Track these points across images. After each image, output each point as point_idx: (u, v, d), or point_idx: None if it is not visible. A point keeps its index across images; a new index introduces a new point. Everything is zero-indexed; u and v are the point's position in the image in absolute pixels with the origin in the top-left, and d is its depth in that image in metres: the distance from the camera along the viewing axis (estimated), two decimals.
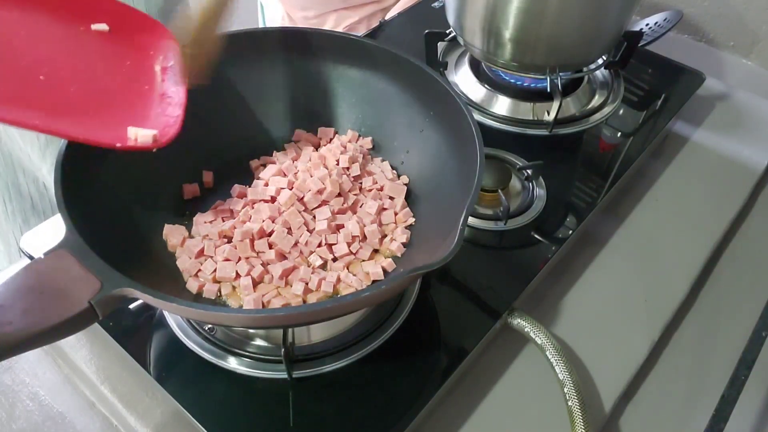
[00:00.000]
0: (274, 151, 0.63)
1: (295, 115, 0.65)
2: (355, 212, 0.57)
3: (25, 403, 0.55)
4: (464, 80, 0.81)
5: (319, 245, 0.54)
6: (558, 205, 0.67)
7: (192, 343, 0.52)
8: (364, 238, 0.55)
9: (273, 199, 0.57)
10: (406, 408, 0.50)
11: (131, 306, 0.56)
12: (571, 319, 0.61)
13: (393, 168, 0.61)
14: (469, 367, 0.56)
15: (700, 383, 0.59)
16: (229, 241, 0.54)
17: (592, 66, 0.78)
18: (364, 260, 0.54)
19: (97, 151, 0.53)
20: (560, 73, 0.72)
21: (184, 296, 0.51)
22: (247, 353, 0.52)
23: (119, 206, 0.54)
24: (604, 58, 0.78)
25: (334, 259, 0.54)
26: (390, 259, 0.54)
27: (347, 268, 0.54)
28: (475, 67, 0.81)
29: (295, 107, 0.65)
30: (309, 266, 0.53)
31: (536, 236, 0.64)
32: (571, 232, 0.64)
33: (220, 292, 0.52)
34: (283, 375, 0.51)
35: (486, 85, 0.79)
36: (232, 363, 0.51)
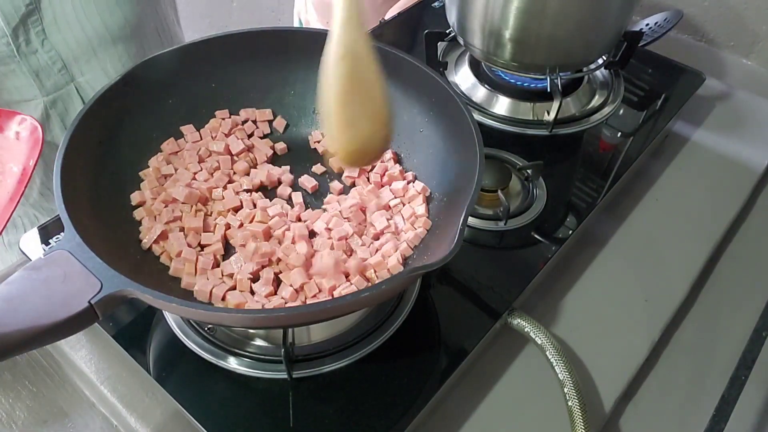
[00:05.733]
0: None
1: (294, 116, 0.65)
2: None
3: (25, 403, 0.55)
4: (464, 80, 0.81)
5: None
6: (558, 205, 0.67)
7: (192, 343, 0.52)
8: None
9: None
10: (406, 408, 0.50)
11: (131, 306, 0.56)
12: (571, 319, 0.61)
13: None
14: (469, 367, 0.56)
15: (700, 383, 0.59)
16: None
17: (592, 66, 0.78)
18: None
19: (98, 152, 0.53)
20: (560, 73, 0.72)
21: (180, 294, 0.51)
22: (247, 353, 0.52)
23: (120, 206, 0.54)
24: (604, 58, 0.78)
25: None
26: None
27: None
28: (475, 67, 0.81)
29: (295, 108, 0.65)
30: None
31: (536, 236, 0.64)
32: (571, 232, 0.64)
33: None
34: (283, 375, 0.51)
35: (486, 85, 0.79)
36: (232, 363, 0.51)
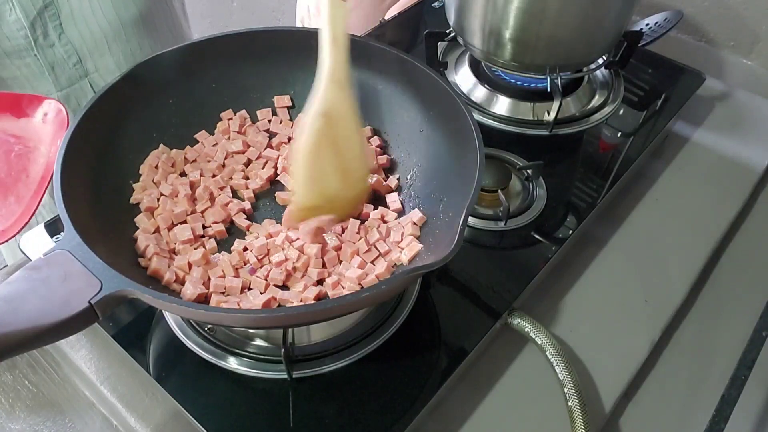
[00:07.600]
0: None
1: (294, 116, 0.65)
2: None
3: (25, 403, 0.55)
4: (464, 80, 0.81)
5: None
6: (558, 205, 0.67)
7: (192, 343, 0.52)
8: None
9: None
10: (406, 408, 0.50)
11: (131, 306, 0.56)
12: (571, 319, 0.61)
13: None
14: (469, 367, 0.56)
15: (700, 383, 0.59)
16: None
17: (592, 66, 0.78)
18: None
19: (98, 152, 0.53)
20: (560, 73, 0.72)
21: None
22: (247, 353, 0.52)
23: (120, 206, 0.54)
24: (604, 58, 0.78)
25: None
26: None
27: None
28: (475, 67, 0.81)
29: (294, 108, 0.65)
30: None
31: (536, 236, 0.64)
32: (571, 232, 0.64)
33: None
34: (283, 375, 0.51)
35: (486, 85, 0.79)
36: (232, 363, 0.51)
